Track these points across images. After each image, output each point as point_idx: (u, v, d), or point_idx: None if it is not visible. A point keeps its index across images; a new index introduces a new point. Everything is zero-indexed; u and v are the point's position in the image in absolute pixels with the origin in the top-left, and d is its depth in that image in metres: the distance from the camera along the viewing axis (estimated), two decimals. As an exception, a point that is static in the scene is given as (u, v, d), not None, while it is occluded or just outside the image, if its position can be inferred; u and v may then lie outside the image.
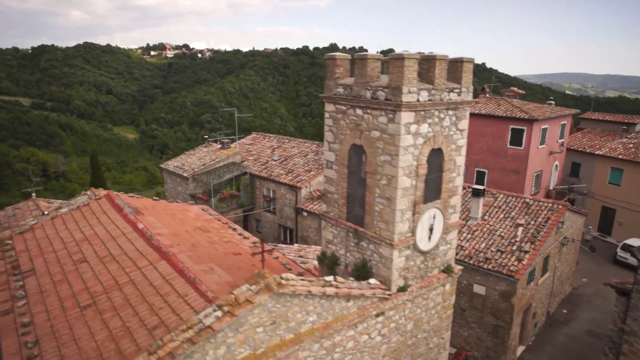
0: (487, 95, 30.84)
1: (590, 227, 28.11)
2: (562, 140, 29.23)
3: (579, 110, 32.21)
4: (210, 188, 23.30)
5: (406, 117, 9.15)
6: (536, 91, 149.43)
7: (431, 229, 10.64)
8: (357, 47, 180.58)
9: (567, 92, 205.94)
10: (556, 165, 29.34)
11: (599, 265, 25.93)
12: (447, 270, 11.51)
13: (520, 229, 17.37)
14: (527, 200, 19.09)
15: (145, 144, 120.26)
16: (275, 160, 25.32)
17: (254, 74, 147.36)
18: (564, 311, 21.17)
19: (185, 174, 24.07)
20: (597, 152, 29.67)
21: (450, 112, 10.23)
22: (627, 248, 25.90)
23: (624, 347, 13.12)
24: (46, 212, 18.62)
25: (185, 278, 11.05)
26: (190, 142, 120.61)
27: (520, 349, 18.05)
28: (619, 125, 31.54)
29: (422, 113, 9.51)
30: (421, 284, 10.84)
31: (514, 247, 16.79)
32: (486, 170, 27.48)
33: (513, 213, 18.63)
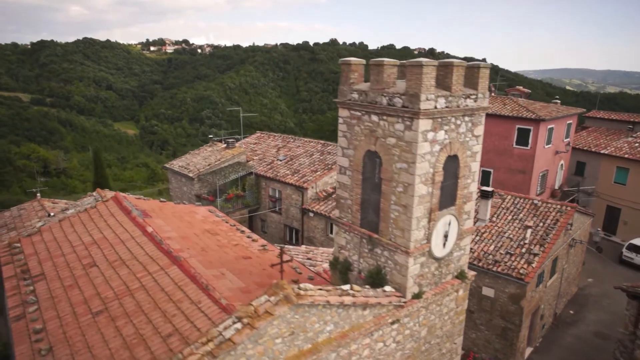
0: (493, 94, 30.71)
1: (599, 229, 28.08)
2: (568, 139, 29.14)
3: (584, 110, 32.11)
4: (216, 188, 23.21)
5: (424, 124, 9.05)
6: (537, 87, 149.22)
7: (446, 236, 10.58)
8: (357, 42, 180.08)
9: (568, 87, 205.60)
10: (561, 165, 29.28)
11: (605, 265, 25.93)
12: (461, 276, 11.47)
13: (529, 230, 17.33)
14: (536, 201, 19.03)
15: (146, 140, 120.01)
16: (280, 160, 25.22)
17: (254, 70, 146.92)
18: (571, 312, 21.18)
19: (190, 174, 23.97)
20: (602, 151, 29.60)
21: (467, 119, 10.14)
22: (632, 248, 25.90)
23: (636, 353, 13.09)
24: (52, 214, 18.55)
25: (198, 284, 10.99)
26: (191, 138, 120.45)
27: (528, 351, 18.05)
28: (625, 124, 31.46)
29: (439, 120, 9.42)
30: (435, 290, 10.79)
31: (523, 250, 16.75)
32: (492, 170, 27.40)
33: (521, 215, 18.57)
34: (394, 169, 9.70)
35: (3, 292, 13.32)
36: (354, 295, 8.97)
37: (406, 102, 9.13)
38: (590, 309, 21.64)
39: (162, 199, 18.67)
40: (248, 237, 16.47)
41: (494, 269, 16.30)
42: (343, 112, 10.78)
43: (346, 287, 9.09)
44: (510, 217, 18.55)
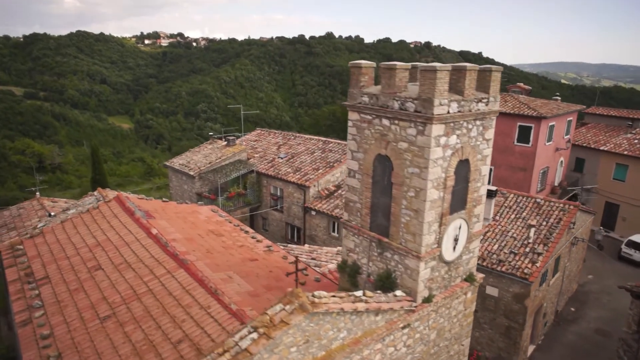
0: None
1: (602, 228, 28.24)
2: (568, 136, 29.20)
3: (585, 106, 32.16)
4: (218, 187, 23.08)
5: (436, 129, 8.99)
6: (532, 81, 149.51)
7: (456, 239, 10.56)
8: (353, 35, 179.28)
9: (563, 81, 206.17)
10: (561, 162, 29.36)
11: (604, 262, 26.12)
12: (469, 278, 11.47)
13: (533, 230, 17.37)
14: (538, 200, 19.07)
15: (141, 134, 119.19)
16: (281, 158, 25.10)
17: (250, 64, 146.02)
18: (572, 309, 21.33)
19: (191, 172, 23.81)
20: (602, 148, 29.70)
21: (478, 122, 10.08)
22: (631, 244, 26.08)
23: (641, 352, 13.19)
24: (53, 213, 18.40)
25: (206, 288, 10.93)
26: (186, 132, 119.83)
27: (530, 349, 18.18)
28: (624, 121, 31.56)
29: (452, 125, 9.36)
30: (445, 293, 10.79)
31: (527, 249, 16.79)
32: (492, 168, 27.43)
33: (524, 213, 18.61)
34: (405, 174, 9.64)
35: (8, 296, 13.20)
36: (366, 302, 8.94)
37: (419, 107, 9.05)
38: (590, 305, 21.80)
39: (164, 199, 18.54)
40: (253, 237, 16.41)
41: (499, 268, 16.35)
42: (353, 115, 10.69)
43: (358, 293, 9.05)
44: (513, 216, 18.59)
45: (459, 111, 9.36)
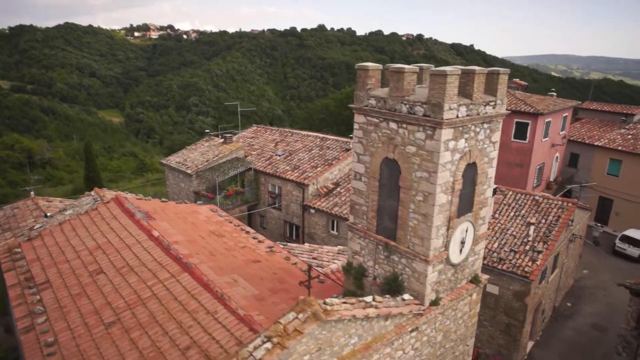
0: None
1: (599, 224, 28.54)
2: (564, 132, 29.39)
3: (579, 102, 32.35)
4: (216, 185, 22.89)
5: (446, 134, 8.94)
6: (523, 73, 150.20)
7: (463, 242, 10.57)
8: (345, 28, 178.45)
9: (554, 74, 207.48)
10: (557, 157, 29.57)
11: (598, 257, 26.44)
12: (475, 280, 11.51)
13: (532, 227, 17.48)
14: (537, 197, 19.18)
15: (131, 128, 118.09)
16: (279, 155, 24.96)
17: (241, 56, 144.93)
18: (569, 304, 21.58)
19: (188, 171, 23.58)
20: (596, 143, 29.93)
21: (485, 126, 10.05)
22: (625, 239, 26.41)
23: (641, 350, 13.38)
24: (49, 214, 18.11)
25: (212, 293, 10.86)
26: (177, 126, 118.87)
27: (529, 345, 18.38)
28: (617, 116, 31.81)
29: (460, 129, 9.31)
30: (451, 296, 10.82)
31: (527, 247, 16.91)
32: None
33: (523, 211, 18.72)
34: (413, 178, 9.60)
35: (7, 300, 13.00)
36: (376, 307, 8.93)
37: (428, 111, 8.99)
38: (586, 300, 22.08)
39: (163, 199, 18.35)
40: (254, 238, 16.33)
41: (499, 267, 16.45)
42: (359, 118, 10.60)
43: (369, 298, 9.03)
44: (512, 214, 18.69)
45: (467, 115, 9.31)
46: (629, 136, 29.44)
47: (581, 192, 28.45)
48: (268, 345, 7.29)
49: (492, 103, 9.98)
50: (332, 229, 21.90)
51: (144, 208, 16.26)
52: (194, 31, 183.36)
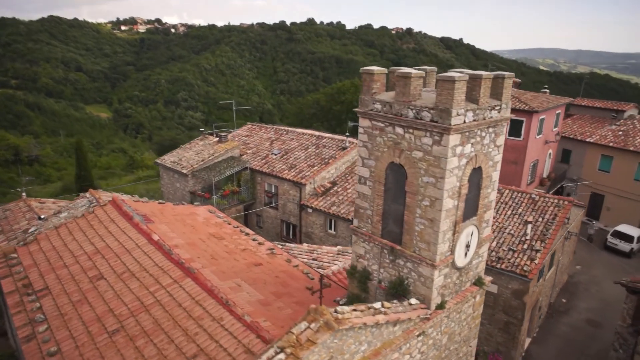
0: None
1: (594, 222, 28.92)
2: (557, 129, 29.66)
3: (572, 98, 32.63)
4: (212, 185, 22.68)
5: (453, 140, 8.92)
6: (511, 66, 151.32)
7: (468, 246, 10.61)
8: (334, 22, 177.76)
9: (541, 67, 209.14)
10: (550, 154, 29.85)
11: (591, 252, 26.81)
12: (478, 282, 11.57)
13: (530, 226, 17.62)
14: (533, 195, 19.34)
15: (119, 123, 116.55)
16: (275, 154, 24.81)
17: (230, 50, 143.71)
18: (563, 300, 21.88)
19: (184, 171, 23.33)
20: (588, 140, 30.27)
21: (490, 130, 10.07)
22: (617, 234, 26.81)
23: (639, 347, 13.61)
24: (42, 216, 17.80)
25: (217, 299, 10.76)
26: (166, 121, 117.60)
27: (527, 341, 18.60)
28: (608, 112, 32.18)
29: (467, 134, 9.31)
30: (456, 299, 10.87)
31: (525, 246, 17.06)
32: (483, 160, 27.66)
33: (520, 209, 18.86)
34: (420, 183, 9.59)
35: (5, 307, 12.78)
36: (385, 313, 8.94)
37: (435, 117, 8.96)
38: (580, 296, 22.41)
39: (160, 201, 18.14)
40: (253, 239, 16.23)
41: (498, 266, 16.59)
42: (364, 122, 10.53)
43: (377, 304, 9.04)
44: (509, 212, 18.83)
45: (474, 120, 9.31)
46: (620, 132, 29.82)
47: (578, 191, 28.77)
48: (281, 356, 7.25)
49: (498, 107, 10.00)
50: (330, 228, 21.88)
51: (141, 210, 16.05)
52: (182, 25, 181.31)
